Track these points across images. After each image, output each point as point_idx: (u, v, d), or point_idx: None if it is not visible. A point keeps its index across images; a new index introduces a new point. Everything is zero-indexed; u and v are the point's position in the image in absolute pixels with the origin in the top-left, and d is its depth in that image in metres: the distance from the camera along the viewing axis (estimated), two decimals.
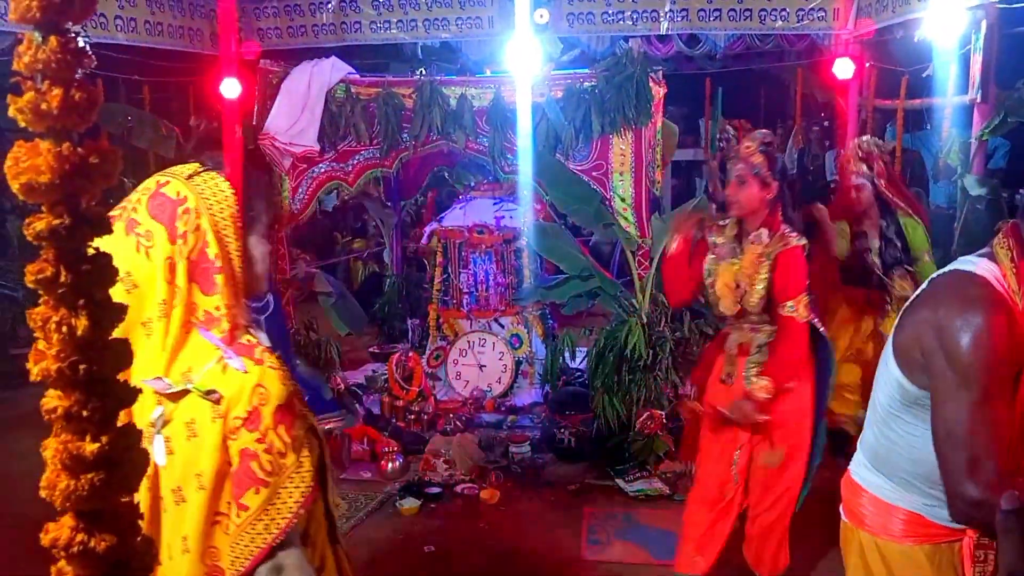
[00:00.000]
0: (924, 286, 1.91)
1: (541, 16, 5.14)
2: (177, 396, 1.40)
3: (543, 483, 4.79)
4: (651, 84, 4.87)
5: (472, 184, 6.08)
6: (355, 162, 5.28)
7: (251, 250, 1.55)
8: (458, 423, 5.23)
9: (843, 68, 5.37)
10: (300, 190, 5.34)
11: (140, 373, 1.38)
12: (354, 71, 5.27)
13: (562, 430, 5.02)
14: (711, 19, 5.24)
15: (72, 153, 0.73)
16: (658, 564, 3.96)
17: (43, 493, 0.79)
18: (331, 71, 5.14)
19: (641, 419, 4.77)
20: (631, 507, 4.50)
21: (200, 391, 1.40)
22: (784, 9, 5.20)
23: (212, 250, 1.44)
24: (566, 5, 5.21)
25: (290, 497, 1.46)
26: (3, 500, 3.96)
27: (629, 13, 5.22)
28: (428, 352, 5.76)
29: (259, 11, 5.52)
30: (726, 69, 7.83)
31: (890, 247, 4.47)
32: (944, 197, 6.51)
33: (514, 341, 5.68)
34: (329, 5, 5.41)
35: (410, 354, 5.69)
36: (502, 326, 5.70)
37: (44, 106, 0.72)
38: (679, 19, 5.21)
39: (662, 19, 5.21)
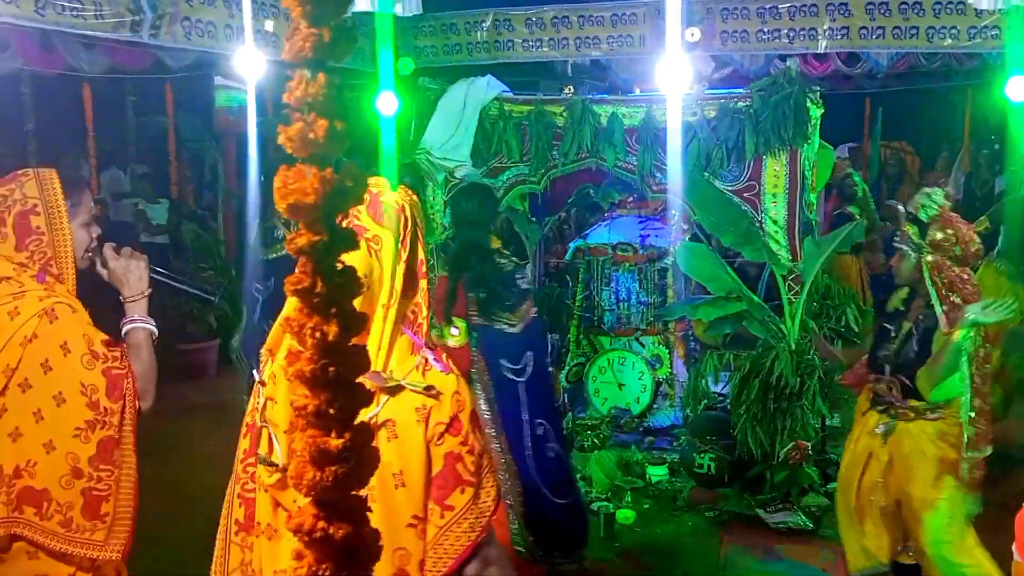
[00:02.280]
0: None
1: (692, 34, 5.11)
2: (393, 391, 1.48)
3: (680, 508, 4.73)
4: (808, 104, 4.75)
5: (617, 202, 6.10)
6: (505, 178, 5.40)
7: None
8: (595, 440, 5.24)
9: (1018, 89, 5.06)
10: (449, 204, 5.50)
11: None
12: (508, 89, 5.40)
13: (702, 455, 4.94)
14: (873, 37, 5.05)
15: (333, 177, 0.81)
16: None
17: (291, 483, 0.87)
18: (487, 88, 5.29)
19: (786, 449, 4.63)
20: (771, 539, 4.38)
21: (418, 387, 1.48)
22: (955, 27, 4.96)
23: (421, 255, 1.55)
24: (720, 23, 5.15)
25: (488, 496, 1.55)
26: (191, 479, 4.28)
27: (786, 31, 5.11)
28: (567, 368, 5.81)
29: (416, 29, 5.74)
30: (887, 89, 7.52)
31: (906, 346, 3.36)
32: None
33: (655, 361, 5.65)
34: (484, 24, 5.58)
35: (549, 369, 5.74)
36: (643, 345, 5.68)
37: (311, 135, 0.80)
38: (839, 37, 5.05)
39: (820, 37, 5.07)
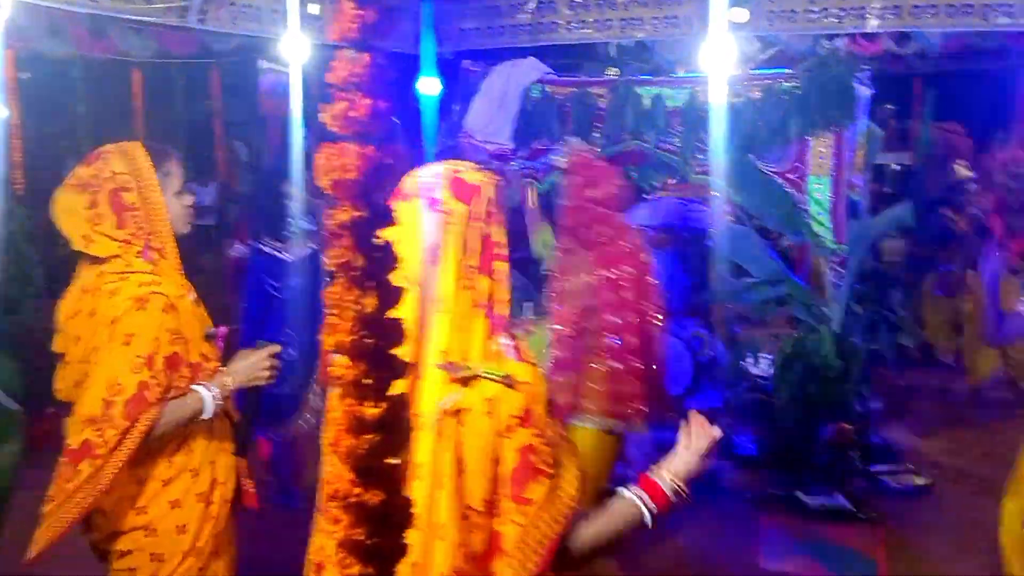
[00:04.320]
0: None
1: (739, 15, 5.04)
2: (466, 381, 1.40)
3: (720, 489, 4.73)
4: (856, 85, 4.66)
5: (659, 184, 6.06)
6: (546, 161, 5.40)
7: None
8: None
9: None
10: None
11: (432, 353, 1.37)
12: (551, 71, 5.38)
13: (742, 437, 4.92)
14: (926, 15, 4.92)
15: (374, 155, 0.83)
16: None
17: (327, 449, 0.91)
18: (528, 71, 5.29)
19: (827, 432, 4.60)
20: (811, 522, 4.36)
21: (495, 375, 1.41)
22: (1011, 5, 4.81)
23: (501, 239, 1.49)
24: (767, 3, 5.06)
25: (569, 485, 1.47)
26: None
27: (835, 10, 5.00)
28: None
29: (459, 12, 5.74)
30: (940, 70, 7.32)
31: None
32: None
33: (695, 343, 5.62)
34: (528, 6, 5.56)
35: None
36: (683, 327, 5.65)
37: (353, 113, 0.83)
38: (889, 16, 4.92)
39: (870, 16, 4.95)
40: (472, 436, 1.38)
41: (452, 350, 1.36)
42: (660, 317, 3.30)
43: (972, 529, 3.82)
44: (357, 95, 0.81)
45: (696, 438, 1.51)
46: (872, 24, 4.98)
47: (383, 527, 0.91)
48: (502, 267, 1.49)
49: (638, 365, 3.15)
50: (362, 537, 0.92)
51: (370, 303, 0.85)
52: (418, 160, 1.56)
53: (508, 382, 1.41)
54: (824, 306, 4.80)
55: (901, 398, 5.81)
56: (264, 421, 4.06)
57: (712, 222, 5.49)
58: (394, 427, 0.89)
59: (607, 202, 3.26)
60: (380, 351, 0.86)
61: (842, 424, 4.58)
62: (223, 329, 2.41)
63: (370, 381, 0.87)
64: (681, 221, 5.68)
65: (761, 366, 5.37)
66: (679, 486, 1.49)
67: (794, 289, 4.86)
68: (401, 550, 1.00)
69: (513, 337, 1.50)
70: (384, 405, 0.88)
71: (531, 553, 1.42)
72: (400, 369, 0.90)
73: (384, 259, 0.86)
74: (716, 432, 1.53)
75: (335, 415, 0.88)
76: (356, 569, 0.94)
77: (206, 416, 2.24)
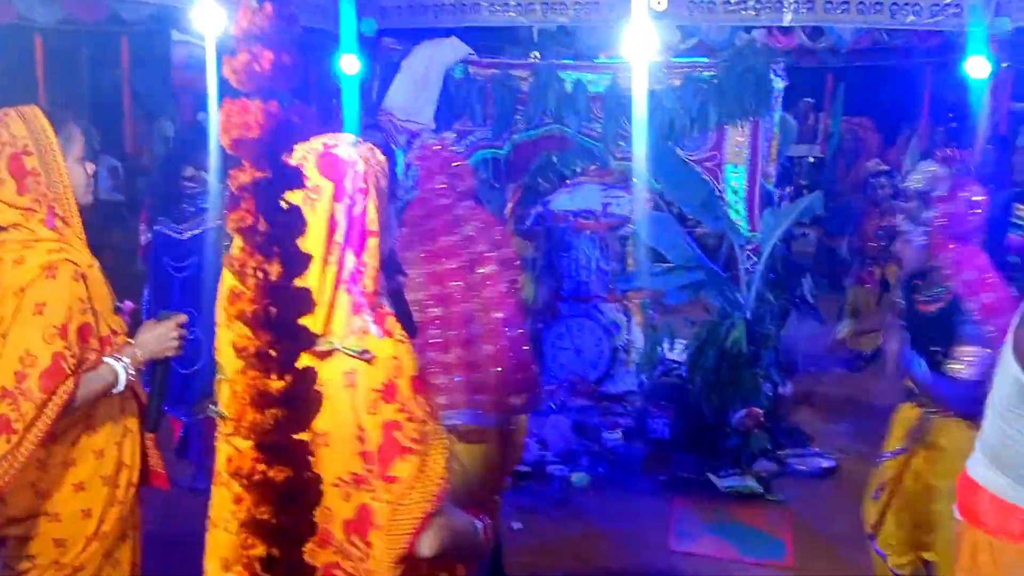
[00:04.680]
0: None
1: (660, 3, 5.08)
2: (323, 355, 1.40)
3: (634, 471, 4.80)
4: (772, 76, 4.77)
5: (580, 170, 6.08)
6: (467, 142, 5.36)
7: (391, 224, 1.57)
8: (552, 405, 5.28)
9: (977, 67, 5.13)
10: (412, 166, 5.45)
11: None
12: (472, 52, 5.34)
13: (656, 421, 5.01)
14: (839, 12, 5.07)
15: (279, 112, 0.79)
16: (745, 562, 3.94)
17: (229, 425, 0.86)
18: (451, 51, 5.23)
19: (738, 416, 4.71)
20: (722, 503, 4.47)
21: (352, 351, 1.41)
22: (917, 4, 4.99)
23: (371, 215, 1.47)
24: None
25: (437, 464, 1.46)
26: None
27: (752, 3, 5.10)
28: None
29: None
30: (850, 65, 7.57)
31: None
32: None
33: (612, 328, 5.68)
34: None
35: None
36: (601, 312, 5.71)
37: (256, 67, 0.78)
38: (804, 11, 5.05)
39: (786, 10, 5.07)
40: (331, 411, 1.36)
41: (314, 325, 1.34)
42: (503, 309, 3.08)
43: None
44: (259, 47, 0.76)
45: None
46: (787, 18, 5.10)
47: (291, 505, 0.87)
48: (373, 243, 1.47)
49: (471, 358, 2.99)
50: (266, 516, 0.88)
51: (274, 270, 0.80)
52: (332, 124, 1.52)
53: (366, 357, 1.40)
54: (738, 293, 4.91)
55: (810, 384, 6.00)
56: (173, 401, 4.10)
57: (632, 208, 5.55)
58: (301, 401, 0.85)
59: (446, 192, 3.14)
60: (285, 321, 0.82)
61: (752, 408, 4.70)
62: (129, 304, 2.35)
63: (274, 353, 0.82)
64: (601, 207, 5.72)
65: (676, 351, 5.47)
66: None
67: (710, 276, 4.96)
68: (309, 529, 0.96)
69: (380, 313, 1.48)
70: (289, 378, 0.83)
71: (399, 533, 1.42)
72: (308, 340, 0.85)
73: (290, 224, 0.82)
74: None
75: (237, 388, 0.83)
76: (260, 550, 0.89)
77: (119, 389, 2.18)
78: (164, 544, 2.74)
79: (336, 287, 1.44)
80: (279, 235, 0.81)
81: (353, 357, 1.41)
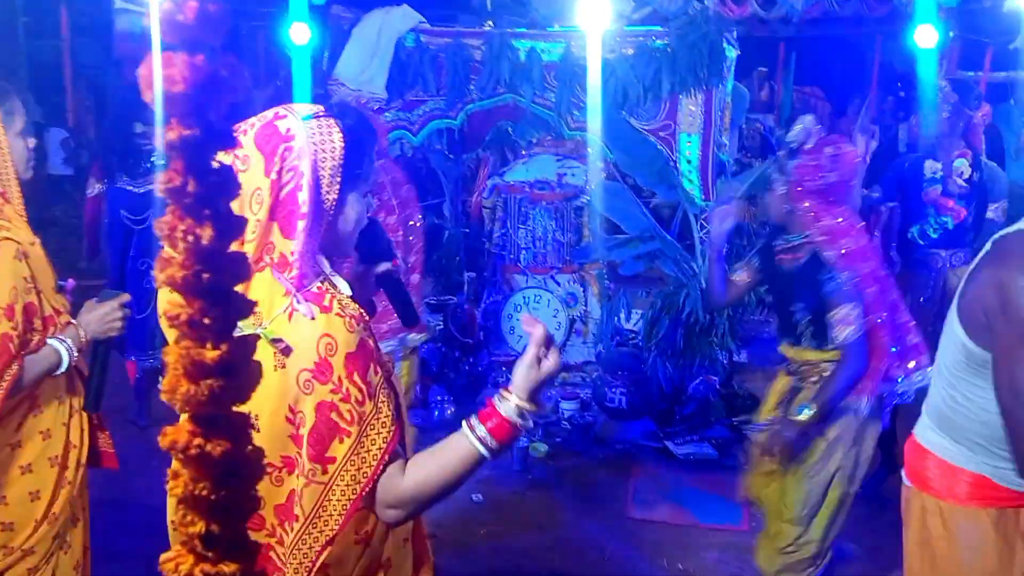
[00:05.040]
0: (988, 247, 1.87)
1: None
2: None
3: (592, 440, 4.83)
4: (725, 45, 4.77)
5: (535, 140, 6.04)
6: (420, 112, 5.28)
7: (346, 208, 1.48)
8: (510, 377, 5.27)
9: (925, 37, 5.18)
10: None
11: None
12: (424, 21, 5.25)
13: (613, 390, 5.03)
14: None
15: (205, 65, 0.74)
16: (703, 527, 3.99)
17: (164, 397, 0.82)
18: (402, 19, 5.13)
19: (694, 383, 4.76)
20: (679, 470, 4.52)
21: (268, 338, 1.35)
22: None
23: (303, 195, 1.39)
24: None
25: (373, 444, 1.41)
26: None
27: None
28: (483, 305, 5.80)
29: None
30: (801, 35, 7.61)
31: None
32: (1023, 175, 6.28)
33: (569, 299, 5.68)
34: None
35: (465, 306, 5.73)
36: (558, 283, 5.70)
37: (180, 17, 0.73)
38: None
39: None
40: (261, 394, 1.32)
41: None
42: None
43: None
44: None
45: (530, 346, 1.45)
46: None
47: (231, 480, 0.84)
48: (300, 224, 1.39)
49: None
50: (205, 492, 0.84)
51: (206, 234, 0.76)
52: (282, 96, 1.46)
53: (281, 347, 1.35)
54: (693, 262, 4.94)
55: (764, 351, 6.08)
56: (128, 345, 4.49)
57: (587, 179, 5.53)
58: (238, 371, 0.81)
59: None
60: (219, 287, 0.78)
61: (707, 376, 4.75)
62: (72, 282, 2.29)
63: (208, 320, 0.78)
64: (556, 177, 5.70)
65: (632, 321, 5.49)
66: (524, 407, 1.44)
67: (665, 245, 4.97)
68: (252, 504, 0.92)
69: (315, 292, 1.43)
70: (226, 347, 0.80)
71: (335, 513, 1.39)
72: (245, 307, 0.82)
73: (223, 184, 0.77)
74: (539, 330, 1.46)
75: (170, 359, 0.79)
76: (200, 527, 0.85)
77: (62, 371, 2.13)
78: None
79: (258, 268, 1.38)
80: (210, 197, 0.77)
81: (269, 344, 1.35)
